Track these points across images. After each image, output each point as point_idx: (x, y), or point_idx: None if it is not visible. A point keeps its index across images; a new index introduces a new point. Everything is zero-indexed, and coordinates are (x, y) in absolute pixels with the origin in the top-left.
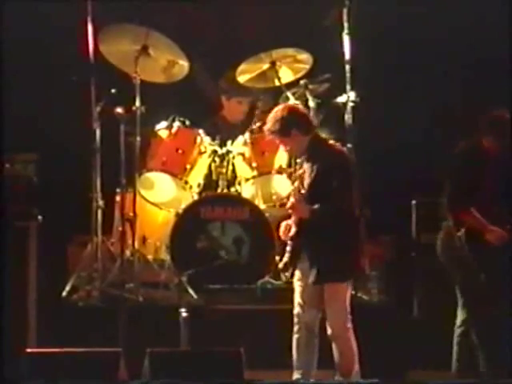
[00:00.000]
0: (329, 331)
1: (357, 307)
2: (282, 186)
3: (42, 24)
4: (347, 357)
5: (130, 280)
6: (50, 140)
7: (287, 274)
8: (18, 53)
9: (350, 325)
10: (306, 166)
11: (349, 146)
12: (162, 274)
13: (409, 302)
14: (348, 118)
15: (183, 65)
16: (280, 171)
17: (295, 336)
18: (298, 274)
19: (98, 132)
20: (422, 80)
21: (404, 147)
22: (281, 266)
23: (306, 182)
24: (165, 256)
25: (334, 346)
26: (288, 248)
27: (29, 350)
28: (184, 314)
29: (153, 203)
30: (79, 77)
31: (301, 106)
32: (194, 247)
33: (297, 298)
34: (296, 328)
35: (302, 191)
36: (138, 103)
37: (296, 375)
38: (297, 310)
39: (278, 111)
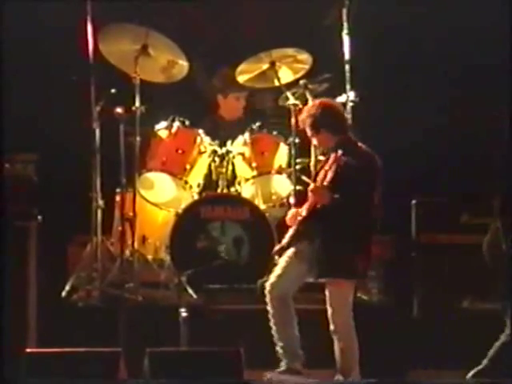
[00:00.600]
0: (331, 327)
1: (356, 307)
2: (281, 185)
3: (42, 24)
4: (349, 355)
5: (130, 280)
6: (50, 140)
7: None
8: (17, 53)
9: (352, 323)
10: (331, 162)
11: None
12: (162, 274)
13: (408, 301)
14: (347, 117)
15: (183, 65)
16: (280, 171)
17: (270, 311)
18: (291, 250)
19: (97, 132)
20: (422, 80)
21: (404, 147)
22: (277, 247)
23: (329, 175)
24: (164, 256)
25: (335, 343)
26: (290, 232)
27: (28, 350)
28: (184, 314)
29: (152, 203)
30: (79, 77)
31: (337, 104)
32: (193, 247)
33: (277, 270)
34: (268, 300)
35: (325, 183)
36: (137, 103)
37: (282, 365)
38: (272, 280)
39: (313, 107)
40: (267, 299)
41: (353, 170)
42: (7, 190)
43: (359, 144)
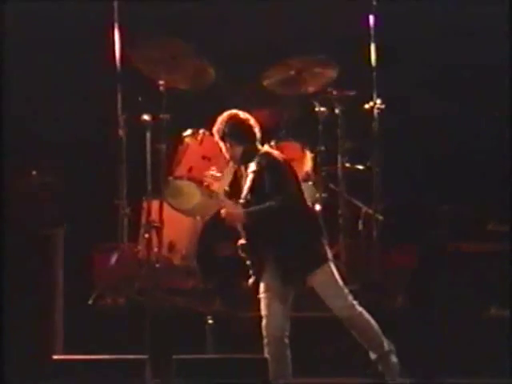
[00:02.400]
0: (339, 315)
1: (380, 315)
2: (308, 193)
3: (69, 32)
4: (369, 331)
5: (157, 287)
6: (77, 147)
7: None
8: (45, 61)
9: (355, 301)
10: (244, 175)
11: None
12: (189, 281)
13: (433, 309)
14: (374, 125)
15: (210, 73)
16: (306, 178)
17: (265, 349)
18: (262, 286)
19: (124, 139)
20: (451, 87)
21: (430, 155)
22: (250, 283)
23: (244, 189)
24: (191, 263)
25: (352, 331)
26: (249, 264)
27: (55, 357)
28: (210, 321)
29: (179, 210)
30: (106, 84)
31: (243, 115)
32: (220, 254)
33: (263, 311)
34: (265, 341)
35: (241, 200)
36: (164, 111)
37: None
38: (264, 322)
39: (220, 121)
40: (264, 342)
41: (257, 175)
42: (34, 197)
43: (261, 149)
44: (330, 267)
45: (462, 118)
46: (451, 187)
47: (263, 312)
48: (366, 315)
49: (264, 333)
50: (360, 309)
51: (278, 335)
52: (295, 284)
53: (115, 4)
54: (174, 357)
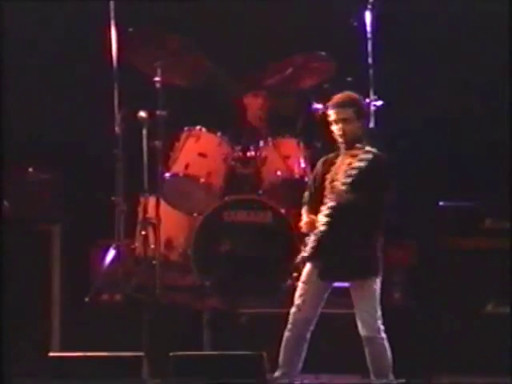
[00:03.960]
0: (362, 332)
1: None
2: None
3: (65, 28)
4: (383, 359)
5: (154, 284)
6: (74, 144)
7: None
8: (43, 59)
9: (382, 326)
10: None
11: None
12: (186, 278)
13: (432, 306)
14: (371, 121)
15: (207, 69)
16: (303, 175)
17: (286, 334)
18: (306, 272)
19: (120, 136)
20: (446, 82)
21: (428, 151)
22: (298, 259)
23: (344, 175)
24: (188, 260)
25: (367, 350)
26: (312, 242)
27: (52, 354)
28: (207, 318)
29: (175, 207)
30: (103, 81)
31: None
32: (217, 251)
33: (297, 299)
34: (289, 327)
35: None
36: (160, 107)
37: (277, 373)
38: (294, 309)
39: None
40: (288, 327)
41: (366, 170)
42: (31, 193)
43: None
44: (376, 283)
45: (460, 114)
46: (450, 184)
47: (296, 300)
48: (387, 344)
49: (290, 319)
50: (384, 335)
51: (304, 325)
52: (331, 283)
53: (111, 2)
54: (171, 354)
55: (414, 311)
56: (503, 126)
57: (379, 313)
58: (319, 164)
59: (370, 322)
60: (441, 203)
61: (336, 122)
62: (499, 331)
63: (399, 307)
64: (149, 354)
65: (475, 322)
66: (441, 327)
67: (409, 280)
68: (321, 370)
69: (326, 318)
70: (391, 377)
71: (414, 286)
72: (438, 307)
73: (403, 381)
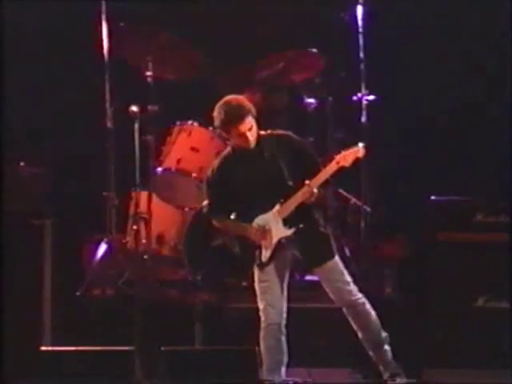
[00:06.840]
0: (343, 308)
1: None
2: None
3: (55, 23)
4: (370, 319)
5: (145, 278)
6: (65, 139)
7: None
8: (34, 53)
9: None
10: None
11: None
12: (178, 273)
13: (422, 300)
14: (363, 116)
15: (198, 63)
16: None
17: (261, 334)
18: (263, 273)
19: (112, 131)
20: (437, 78)
21: (419, 146)
22: (264, 259)
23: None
24: (180, 254)
25: (351, 317)
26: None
27: (43, 348)
28: (199, 312)
29: (167, 202)
30: (94, 76)
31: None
32: (209, 245)
33: (260, 300)
34: (263, 326)
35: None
36: (152, 102)
37: (264, 374)
38: (261, 309)
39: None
40: (262, 326)
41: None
42: (22, 188)
43: None
44: (337, 258)
45: (451, 108)
46: (440, 178)
47: (260, 301)
48: (369, 305)
49: (262, 319)
50: (364, 299)
51: (275, 322)
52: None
53: None
54: (163, 348)
55: (405, 305)
56: (494, 121)
57: (350, 278)
58: None
59: (347, 287)
60: (432, 197)
61: None
62: (490, 325)
63: (390, 301)
64: (140, 349)
65: (466, 316)
66: (431, 321)
67: (400, 274)
68: (313, 364)
69: (317, 313)
70: (383, 334)
71: (405, 279)
72: (429, 301)
73: (395, 379)
